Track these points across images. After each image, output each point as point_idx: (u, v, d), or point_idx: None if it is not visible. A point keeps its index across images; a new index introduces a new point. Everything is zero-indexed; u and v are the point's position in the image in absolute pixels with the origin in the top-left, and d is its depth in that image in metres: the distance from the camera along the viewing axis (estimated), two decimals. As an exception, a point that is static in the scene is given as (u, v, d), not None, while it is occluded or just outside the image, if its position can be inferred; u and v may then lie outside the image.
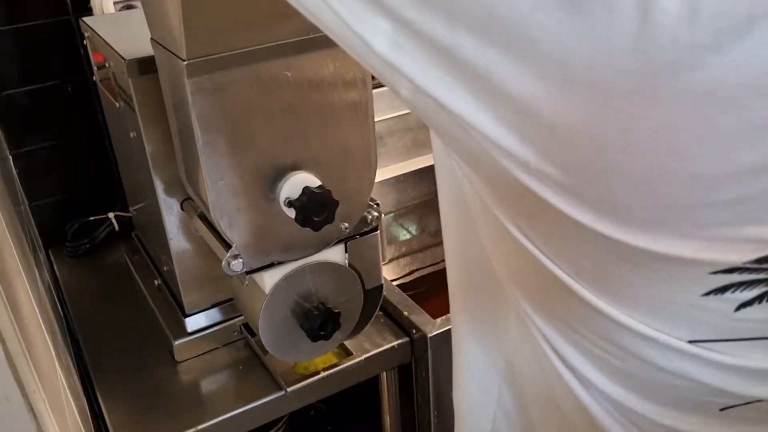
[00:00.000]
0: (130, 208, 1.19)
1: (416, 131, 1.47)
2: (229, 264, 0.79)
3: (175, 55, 0.71)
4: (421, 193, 1.48)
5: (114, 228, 1.29)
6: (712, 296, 0.35)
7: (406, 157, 1.45)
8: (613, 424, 0.46)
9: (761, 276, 0.34)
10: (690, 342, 0.38)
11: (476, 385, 0.62)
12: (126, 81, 0.85)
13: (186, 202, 0.92)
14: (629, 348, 0.40)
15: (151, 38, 0.78)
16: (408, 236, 1.50)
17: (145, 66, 0.83)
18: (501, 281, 0.52)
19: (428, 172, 1.48)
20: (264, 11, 0.70)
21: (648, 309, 0.38)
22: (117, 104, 0.96)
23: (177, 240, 0.95)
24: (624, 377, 0.43)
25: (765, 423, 0.42)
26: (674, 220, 0.33)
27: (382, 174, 1.41)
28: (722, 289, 0.35)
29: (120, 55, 0.85)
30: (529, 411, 0.57)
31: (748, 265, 0.33)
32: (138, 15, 1.11)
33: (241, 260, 0.80)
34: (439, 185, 0.57)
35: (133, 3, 1.19)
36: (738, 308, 0.36)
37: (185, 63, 0.69)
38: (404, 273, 1.48)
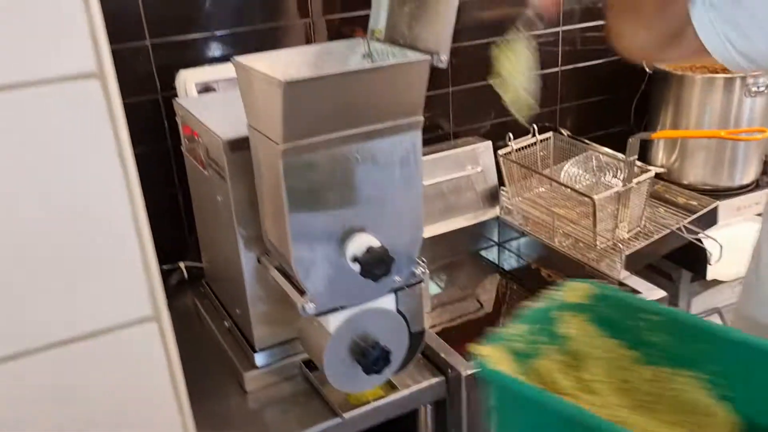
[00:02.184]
0: (203, 260, 1.38)
1: (447, 196, 1.65)
2: (303, 308, 0.97)
3: (271, 140, 0.90)
4: (452, 252, 1.66)
5: (184, 276, 1.47)
6: None
7: (440, 219, 1.63)
8: None
9: None
10: None
11: None
12: (221, 156, 1.05)
13: (263, 257, 1.10)
14: None
15: (248, 124, 0.98)
16: (438, 290, 1.67)
17: (237, 144, 1.03)
18: None
19: (458, 234, 1.66)
20: (344, 106, 0.89)
21: None
22: (206, 172, 1.16)
23: (252, 286, 1.13)
24: None
25: None
26: None
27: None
28: None
29: (217, 135, 1.05)
30: None
31: None
32: (219, 98, 1.32)
33: (313, 305, 0.97)
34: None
35: (211, 84, 1.40)
36: None
37: (281, 147, 0.88)
38: (434, 323, 1.64)
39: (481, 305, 1.61)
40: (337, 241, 0.96)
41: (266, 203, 1.00)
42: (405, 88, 0.92)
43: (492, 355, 0.77)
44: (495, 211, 1.69)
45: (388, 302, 1.05)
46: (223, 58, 1.43)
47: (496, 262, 1.72)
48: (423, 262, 1.05)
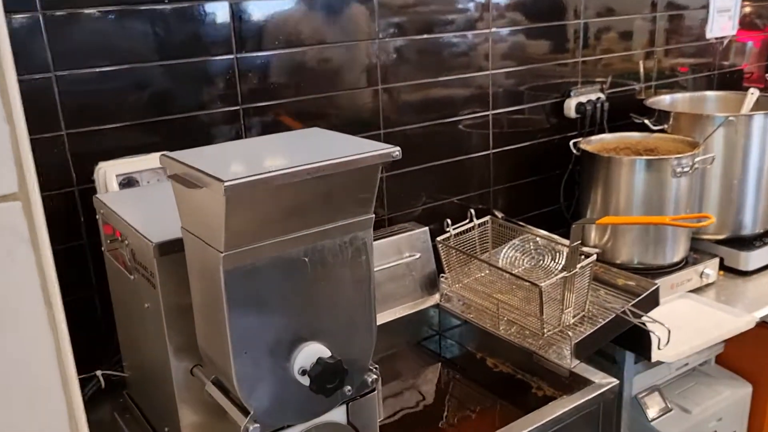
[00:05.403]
0: (126, 370, 1.25)
1: (385, 284, 1.59)
2: (247, 429, 0.87)
3: (210, 245, 0.82)
4: (391, 343, 1.59)
5: (101, 386, 1.33)
6: None
7: (378, 309, 1.55)
8: None
9: None
10: None
11: None
12: (150, 260, 0.95)
13: (196, 368, 1.00)
14: None
15: (183, 227, 0.89)
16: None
17: (169, 248, 0.94)
18: None
19: (397, 324, 1.59)
20: (293, 207, 0.82)
21: None
22: (131, 276, 1.05)
23: (183, 400, 1.01)
24: None
25: None
26: None
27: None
28: None
29: (145, 237, 0.95)
30: None
31: None
32: (145, 193, 1.23)
33: (258, 425, 0.87)
34: None
35: (134, 176, 1.30)
36: None
37: (222, 255, 0.79)
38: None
39: (423, 397, 1.53)
40: (284, 353, 0.88)
41: (202, 312, 0.91)
42: (360, 183, 0.86)
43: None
44: (435, 299, 1.64)
45: (338, 415, 0.96)
46: (147, 148, 1.34)
47: (438, 351, 1.65)
48: (375, 368, 0.97)
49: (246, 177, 0.75)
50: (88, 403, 1.31)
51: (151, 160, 1.30)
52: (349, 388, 0.94)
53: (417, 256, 1.62)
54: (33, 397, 0.52)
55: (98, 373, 1.34)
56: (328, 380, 0.86)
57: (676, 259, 1.75)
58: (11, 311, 0.48)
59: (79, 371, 1.31)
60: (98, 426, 1.28)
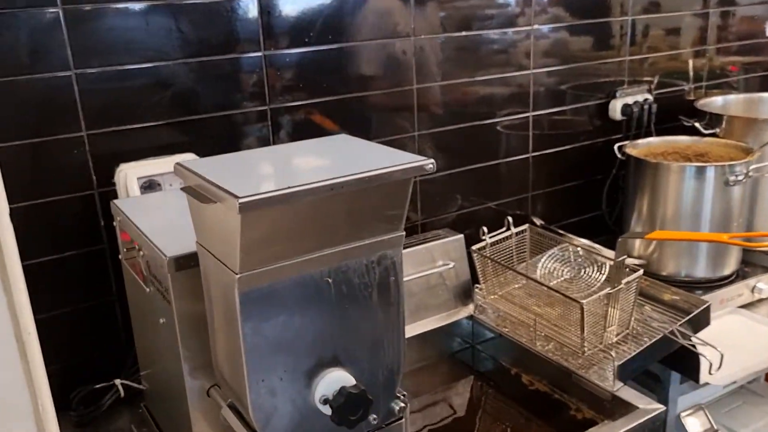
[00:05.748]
0: (143, 381, 1.20)
1: (417, 294, 1.51)
2: (263, 461, 0.80)
3: (225, 265, 0.75)
4: (422, 355, 1.51)
5: (120, 395, 1.28)
6: None
7: (409, 320, 1.48)
8: None
9: None
10: None
11: None
12: (164, 275, 0.89)
13: (213, 389, 0.94)
14: None
15: (198, 242, 0.83)
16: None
17: (185, 262, 0.88)
18: None
19: (429, 335, 1.52)
20: (315, 224, 0.75)
21: None
22: (147, 289, 0.99)
23: (199, 424, 0.96)
24: None
25: None
26: None
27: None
28: None
29: (160, 251, 0.89)
30: None
31: None
32: (164, 199, 1.17)
33: (274, 457, 0.81)
34: None
35: (156, 179, 1.25)
36: None
37: (237, 276, 0.73)
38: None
39: (454, 410, 1.46)
40: (304, 380, 0.81)
41: (218, 332, 0.85)
42: (389, 199, 0.79)
43: None
44: (468, 310, 1.56)
45: (362, 445, 0.89)
46: (170, 149, 1.29)
47: (471, 364, 1.58)
48: (403, 396, 0.90)
49: (263, 193, 0.68)
50: (107, 413, 1.28)
51: (174, 162, 1.24)
52: (374, 416, 0.87)
53: (451, 265, 1.54)
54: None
55: (117, 382, 1.29)
56: (351, 411, 0.79)
57: (727, 272, 1.64)
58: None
59: (98, 380, 1.28)
60: (119, 437, 1.24)
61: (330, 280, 0.79)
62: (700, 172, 1.57)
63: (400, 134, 1.53)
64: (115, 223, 1.10)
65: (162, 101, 1.27)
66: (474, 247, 1.49)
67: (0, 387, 0.43)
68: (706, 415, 1.59)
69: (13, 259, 0.41)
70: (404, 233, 0.83)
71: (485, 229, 1.49)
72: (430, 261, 1.53)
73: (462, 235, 1.56)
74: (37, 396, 0.44)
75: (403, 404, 0.90)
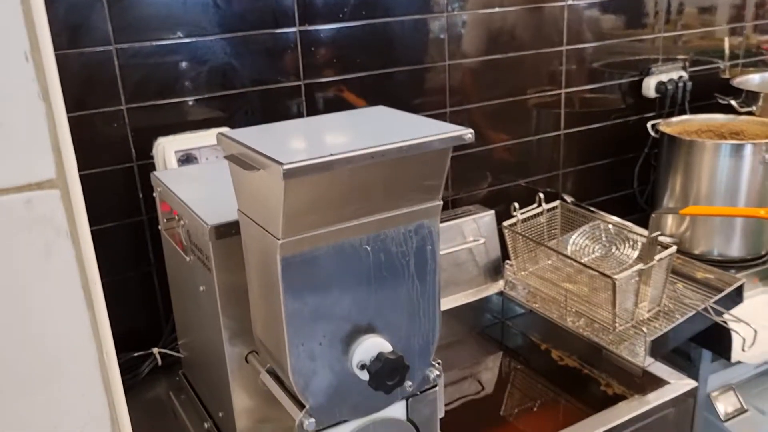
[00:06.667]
0: (181, 350, 1.23)
1: (447, 269, 1.53)
2: (302, 424, 0.82)
3: (267, 231, 0.77)
4: (452, 331, 1.53)
5: (158, 364, 1.31)
6: None
7: (440, 296, 1.50)
8: None
9: None
10: None
11: None
12: (206, 243, 0.91)
13: (251, 355, 0.96)
14: None
15: (239, 210, 0.85)
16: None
17: (225, 231, 0.90)
18: None
19: (459, 311, 1.53)
20: (355, 192, 0.77)
21: None
22: (187, 257, 1.02)
23: (238, 390, 0.98)
24: None
25: None
26: None
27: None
28: None
29: (201, 219, 0.91)
30: None
31: None
32: (203, 171, 1.19)
33: (313, 420, 0.83)
34: None
35: (193, 153, 1.27)
36: None
37: (280, 242, 0.75)
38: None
39: (483, 386, 1.47)
40: (342, 346, 0.83)
41: (258, 299, 0.87)
42: (428, 168, 0.80)
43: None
44: (499, 286, 1.57)
45: (397, 410, 0.91)
46: (207, 123, 1.31)
47: (500, 339, 1.59)
48: (438, 364, 0.92)
49: (306, 160, 0.70)
50: (145, 380, 1.31)
51: (211, 136, 1.26)
52: (410, 383, 0.88)
53: (481, 241, 1.55)
54: (74, 404, 0.48)
55: (155, 350, 1.32)
56: (388, 377, 0.81)
57: (763, 251, 1.63)
58: (49, 313, 0.44)
59: (136, 348, 1.32)
60: (154, 404, 1.27)
61: (368, 248, 0.80)
62: (737, 150, 1.55)
63: (432, 110, 1.54)
64: (155, 194, 1.12)
65: (199, 76, 1.29)
66: (505, 223, 1.50)
67: (71, 334, 0.45)
68: (736, 395, 1.59)
69: (82, 214, 0.43)
70: (441, 203, 0.84)
71: (516, 204, 1.50)
72: (460, 237, 1.54)
73: (493, 211, 1.57)
74: (102, 344, 0.46)
75: (438, 372, 0.91)
